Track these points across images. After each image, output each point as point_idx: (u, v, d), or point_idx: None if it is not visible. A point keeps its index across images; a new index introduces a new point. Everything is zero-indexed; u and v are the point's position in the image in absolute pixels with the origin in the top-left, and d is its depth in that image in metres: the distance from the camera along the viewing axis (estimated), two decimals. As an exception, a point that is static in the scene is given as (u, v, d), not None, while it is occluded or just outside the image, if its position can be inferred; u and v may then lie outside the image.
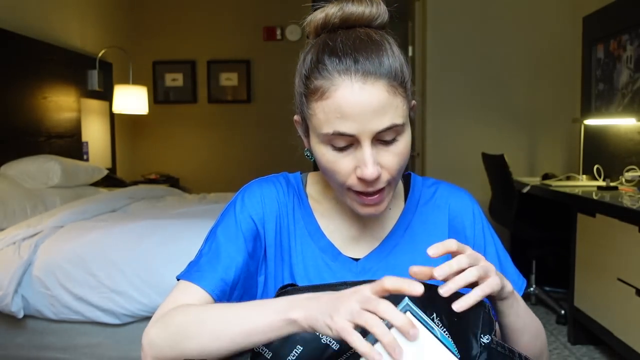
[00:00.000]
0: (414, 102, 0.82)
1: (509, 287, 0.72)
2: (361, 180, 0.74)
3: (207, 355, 0.69)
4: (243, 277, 0.82)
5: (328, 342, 0.74)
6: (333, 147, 0.74)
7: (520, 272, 0.93)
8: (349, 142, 0.73)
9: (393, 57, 0.74)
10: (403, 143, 0.75)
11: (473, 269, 0.65)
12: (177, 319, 0.73)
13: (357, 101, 0.70)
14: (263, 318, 0.66)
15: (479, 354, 0.75)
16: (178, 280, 0.84)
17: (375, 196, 0.76)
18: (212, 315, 0.71)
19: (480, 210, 0.92)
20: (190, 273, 0.83)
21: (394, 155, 0.75)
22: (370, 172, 0.72)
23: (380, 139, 0.73)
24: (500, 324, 0.77)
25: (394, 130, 0.73)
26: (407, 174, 0.94)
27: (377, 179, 0.74)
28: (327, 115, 0.72)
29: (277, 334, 0.65)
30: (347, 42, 0.73)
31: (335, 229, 0.87)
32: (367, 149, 0.72)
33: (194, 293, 0.79)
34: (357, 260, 0.84)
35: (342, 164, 0.75)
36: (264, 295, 0.85)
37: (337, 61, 0.72)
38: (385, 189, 0.77)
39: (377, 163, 0.73)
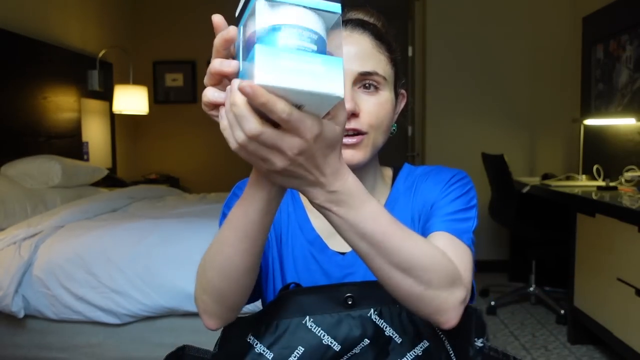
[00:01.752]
0: (403, 91, 0.88)
1: (333, 185, 0.56)
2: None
3: (226, 267, 0.69)
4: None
5: (329, 344, 0.75)
6: None
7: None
8: None
9: (382, 30, 0.84)
10: (385, 97, 0.80)
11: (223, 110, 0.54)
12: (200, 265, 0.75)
13: (342, 45, 0.76)
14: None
15: (474, 357, 0.76)
16: None
17: (354, 138, 0.79)
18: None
19: (460, 181, 0.84)
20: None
21: (374, 104, 0.79)
22: (347, 104, 0.76)
23: (362, 86, 0.79)
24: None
25: (376, 79, 0.79)
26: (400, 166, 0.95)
27: (356, 117, 0.78)
28: None
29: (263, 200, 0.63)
30: (343, 16, 0.83)
31: (323, 222, 0.88)
32: (347, 86, 0.77)
33: None
34: (343, 254, 0.85)
35: None
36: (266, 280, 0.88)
37: None
38: (364, 138, 0.79)
39: (355, 102, 0.77)
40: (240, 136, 0.49)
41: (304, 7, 0.47)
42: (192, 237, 2.13)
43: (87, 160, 3.90)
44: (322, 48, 0.47)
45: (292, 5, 0.46)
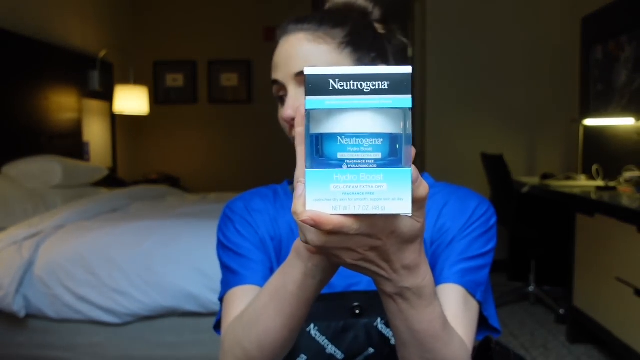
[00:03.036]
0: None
1: (406, 282, 0.52)
2: (288, 123, 0.78)
3: (265, 340, 0.66)
4: (265, 251, 0.82)
5: (333, 353, 0.75)
6: (280, 100, 0.80)
7: (492, 307, 0.80)
8: (284, 92, 0.78)
9: (329, 13, 0.80)
10: None
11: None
12: (233, 337, 0.70)
13: (280, 51, 0.79)
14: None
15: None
16: (220, 301, 0.81)
17: None
18: (250, 305, 0.69)
19: (484, 216, 0.81)
20: (225, 285, 0.80)
21: None
22: (286, 112, 0.76)
23: None
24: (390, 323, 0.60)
25: None
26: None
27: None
28: (271, 71, 0.81)
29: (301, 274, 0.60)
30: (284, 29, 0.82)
31: None
32: (290, 92, 0.77)
33: (241, 295, 0.76)
34: None
35: (282, 114, 0.79)
36: None
37: (282, 29, 0.81)
38: None
39: (297, 105, 0.73)
40: (304, 239, 0.47)
41: (364, 109, 0.41)
42: (193, 237, 2.14)
43: (88, 160, 3.91)
44: (388, 151, 0.41)
45: (350, 109, 0.41)
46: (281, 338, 0.64)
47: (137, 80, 4.37)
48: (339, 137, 0.41)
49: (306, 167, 0.41)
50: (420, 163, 4.18)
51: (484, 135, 3.97)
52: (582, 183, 3.09)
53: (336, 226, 0.41)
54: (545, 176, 3.31)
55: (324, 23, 0.77)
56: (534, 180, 3.35)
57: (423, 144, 4.12)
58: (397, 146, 0.41)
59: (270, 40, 0.86)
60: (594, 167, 3.21)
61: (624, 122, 3.07)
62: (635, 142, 3.01)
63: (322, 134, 0.41)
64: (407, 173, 0.40)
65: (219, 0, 4.87)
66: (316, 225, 0.41)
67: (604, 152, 3.32)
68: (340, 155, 0.41)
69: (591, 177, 3.22)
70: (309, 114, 0.41)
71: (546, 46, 3.93)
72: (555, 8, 3.91)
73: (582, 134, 3.50)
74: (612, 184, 2.85)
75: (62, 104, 3.59)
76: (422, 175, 0.88)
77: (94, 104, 4.04)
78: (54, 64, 3.50)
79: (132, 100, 4.04)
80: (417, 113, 4.28)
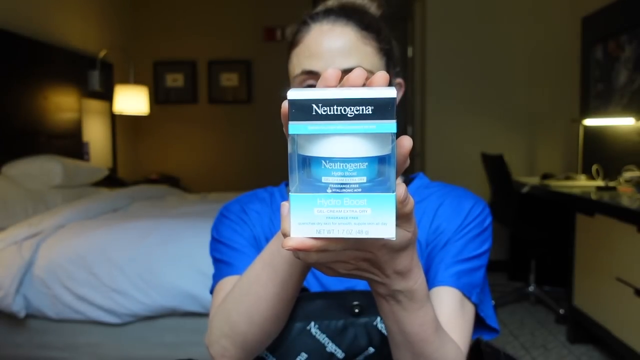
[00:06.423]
0: (400, 79, 0.83)
1: (398, 285, 0.53)
2: None
3: (254, 311, 0.67)
4: (256, 245, 0.83)
5: (333, 351, 0.75)
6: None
7: (491, 306, 0.80)
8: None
9: (369, 15, 0.78)
10: None
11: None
12: (221, 314, 0.71)
13: (324, 40, 0.74)
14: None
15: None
16: (212, 293, 0.83)
17: None
18: (237, 285, 0.70)
19: (480, 216, 0.80)
20: (217, 277, 0.81)
21: None
22: None
23: None
24: (385, 325, 0.61)
25: None
26: (413, 175, 0.90)
27: None
28: (299, 58, 0.76)
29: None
30: (329, 4, 0.81)
31: None
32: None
33: (232, 284, 0.76)
34: None
35: None
36: None
37: (314, 14, 0.77)
38: None
39: None
40: (297, 256, 0.48)
41: (348, 134, 0.40)
42: (193, 237, 2.14)
43: (88, 160, 3.91)
44: (373, 174, 0.41)
45: (333, 134, 0.40)
46: (272, 309, 0.64)
47: (137, 80, 4.37)
48: (323, 162, 0.41)
49: (290, 191, 0.41)
50: (420, 163, 4.18)
51: (484, 135, 3.97)
52: (582, 183, 3.09)
53: (320, 249, 0.42)
54: (545, 176, 3.31)
55: (370, 25, 0.76)
56: (534, 180, 3.35)
57: (423, 144, 4.12)
58: (383, 169, 0.41)
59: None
60: (594, 167, 3.21)
61: (624, 122, 3.06)
62: (635, 142, 3.01)
63: (307, 157, 0.41)
64: (391, 198, 0.40)
65: (219, 0, 4.87)
66: (299, 251, 0.42)
67: (604, 152, 3.32)
68: (324, 180, 0.41)
69: (591, 177, 3.22)
70: (293, 138, 0.41)
71: (546, 46, 3.93)
72: (555, 8, 3.91)
73: (582, 134, 3.50)
74: (612, 184, 2.85)
75: (62, 103, 3.59)
76: (417, 175, 0.89)
77: (94, 104, 4.04)
78: (54, 64, 3.49)
79: (132, 100, 4.04)
80: (417, 113, 4.28)
